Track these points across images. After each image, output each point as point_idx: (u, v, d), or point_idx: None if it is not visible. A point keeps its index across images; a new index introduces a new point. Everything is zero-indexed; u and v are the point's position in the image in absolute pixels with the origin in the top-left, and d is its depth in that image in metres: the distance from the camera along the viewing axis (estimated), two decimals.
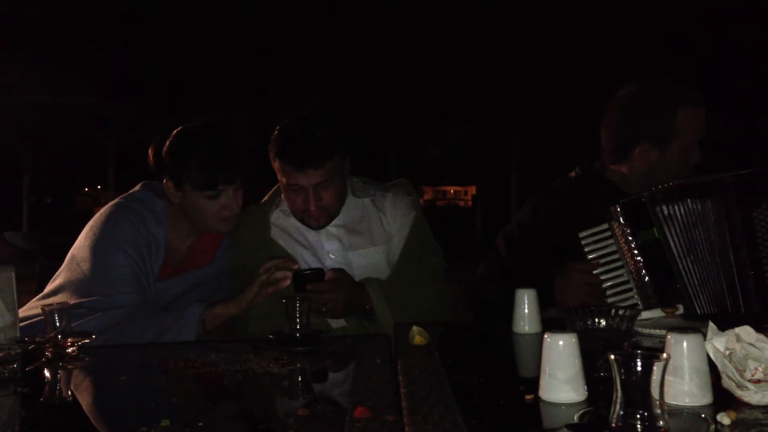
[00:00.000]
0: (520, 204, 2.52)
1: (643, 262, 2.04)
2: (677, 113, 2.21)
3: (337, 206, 2.32)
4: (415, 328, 1.61)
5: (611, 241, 2.11)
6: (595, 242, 2.13)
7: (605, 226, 2.12)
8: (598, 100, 2.39)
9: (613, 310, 1.58)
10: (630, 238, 2.06)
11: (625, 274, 2.09)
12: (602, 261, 2.11)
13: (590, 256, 2.12)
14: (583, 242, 2.13)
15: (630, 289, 2.08)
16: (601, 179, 2.35)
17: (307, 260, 2.31)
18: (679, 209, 2.06)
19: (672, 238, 2.06)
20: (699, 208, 2.06)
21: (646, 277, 2.04)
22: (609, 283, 2.09)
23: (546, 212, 2.33)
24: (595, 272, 2.09)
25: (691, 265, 2.05)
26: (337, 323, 2.24)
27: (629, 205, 2.08)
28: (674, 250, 2.05)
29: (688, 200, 2.07)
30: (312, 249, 2.33)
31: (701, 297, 2.05)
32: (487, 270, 2.38)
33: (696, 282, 2.05)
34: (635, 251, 2.05)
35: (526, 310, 1.74)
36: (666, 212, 2.06)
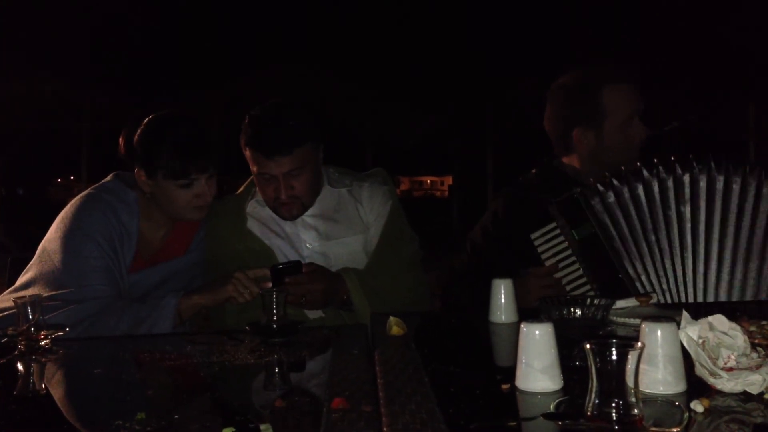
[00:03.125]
0: (497, 193, 2.53)
1: (584, 256, 2.08)
2: (602, 92, 2.27)
3: (310, 195, 2.30)
4: (392, 318, 1.61)
5: (561, 238, 2.14)
6: (547, 242, 2.15)
7: (554, 224, 2.15)
8: None
9: (588, 300, 1.59)
10: (569, 233, 2.09)
11: (579, 270, 2.11)
12: (555, 260, 2.13)
13: (543, 256, 2.15)
14: (535, 243, 2.16)
15: (586, 284, 2.10)
16: (559, 174, 2.39)
17: (283, 250, 2.30)
18: (625, 196, 2.09)
19: (614, 227, 2.08)
20: (644, 192, 2.09)
21: (588, 271, 2.07)
22: (565, 280, 2.12)
23: (505, 215, 2.35)
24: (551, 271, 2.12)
25: (646, 250, 2.07)
26: (314, 314, 2.24)
27: (563, 202, 2.11)
28: (618, 239, 2.08)
29: (628, 186, 2.09)
30: (288, 239, 2.32)
31: (651, 284, 2.07)
32: (456, 272, 2.39)
33: (650, 269, 2.06)
34: (575, 247, 2.08)
35: (503, 300, 1.74)
36: (612, 199, 2.09)
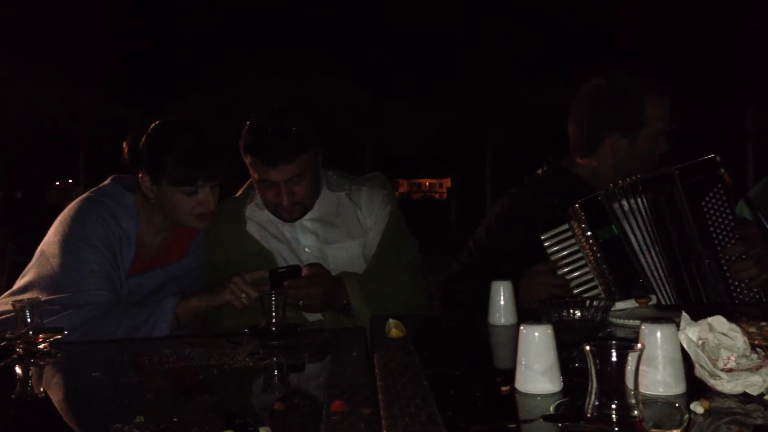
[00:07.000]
0: (495, 196, 2.52)
1: (605, 259, 2.06)
2: (645, 102, 2.24)
3: (311, 199, 2.30)
4: (391, 321, 1.61)
5: (573, 241, 2.12)
6: (558, 243, 2.14)
7: (566, 226, 2.13)
8: (573, 91, 2.40)
9: (587, 302, 1.59)
10: (589, 235, 2.08)
11: (590, 272, 2.11)
12: (565, 261, 2.12)
13: (553, 257, 2.13)
14: (545, 244, 2.14)
15: (595, 287, 2.10)
16: (569, 176, 2.36)
17: (282, 254, 2.30)
18: (639, 204, 2.08)
19: (633, 232, 2.08)
20: (653, 202, 2.08)
21: (608, 274, 2.06)
22: (574, 283, 2.11)
23: (510, 214, 2.33)
24: (559, 273, 2.11)
25: (656, 257, 2.07)
26: (313, 317, 2.24)
27: (587, 204, 2.09)
28: (635, 244, 2.08)
29: (644, 195, 2.08)
30: (287, 243, 2.32)
31: (666, 289, 2.07)
32: (459, 268, 2.38)
33: (662, 274, 2.07)
34: (596, 249, 2.07)
35: (502, 302, 1.74)
36: (627, 207, 2.08)
